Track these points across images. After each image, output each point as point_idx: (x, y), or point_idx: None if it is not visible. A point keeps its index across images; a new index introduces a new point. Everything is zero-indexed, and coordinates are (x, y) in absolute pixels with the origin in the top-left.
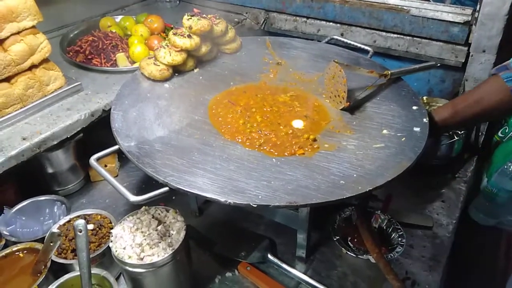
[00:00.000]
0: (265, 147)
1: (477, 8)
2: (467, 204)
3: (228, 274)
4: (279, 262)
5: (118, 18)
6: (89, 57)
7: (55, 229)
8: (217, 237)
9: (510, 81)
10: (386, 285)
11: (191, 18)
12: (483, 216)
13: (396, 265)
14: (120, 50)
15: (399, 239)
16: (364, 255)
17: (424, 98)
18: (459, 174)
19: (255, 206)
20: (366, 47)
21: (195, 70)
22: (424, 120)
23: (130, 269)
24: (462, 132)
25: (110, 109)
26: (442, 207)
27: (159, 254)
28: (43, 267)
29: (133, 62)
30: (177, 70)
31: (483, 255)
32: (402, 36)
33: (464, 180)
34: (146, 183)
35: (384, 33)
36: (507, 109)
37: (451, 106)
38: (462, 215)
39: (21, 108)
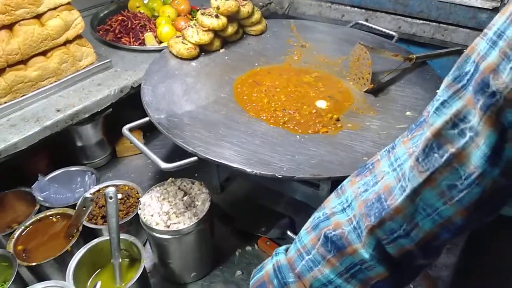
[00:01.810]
0: (289, 125)
1: None
2: None
3: (248, 248)
4: None
5: (146, 0)
6: (119, 36)
7: (88, 194)
8: (238, 213)
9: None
10: None
11: None
12: (507, 207)
13: None
14: (148, 30)
15: None
16: None
17: None
18: None
19: (280, 177)
20: (391, 32)
21: (221, 50)
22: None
23: (157, 235)
24: None
25: (138, 86)
26: None
27: (185, 222)
28: (75, 231)
29: (160, 42)
30: (203, 49)
31: (502, 244)
32: (428, 22)
33: None
34: (169, 159)
35: (409, 19)
36: None
37: None
38: None
39: (55, 81)
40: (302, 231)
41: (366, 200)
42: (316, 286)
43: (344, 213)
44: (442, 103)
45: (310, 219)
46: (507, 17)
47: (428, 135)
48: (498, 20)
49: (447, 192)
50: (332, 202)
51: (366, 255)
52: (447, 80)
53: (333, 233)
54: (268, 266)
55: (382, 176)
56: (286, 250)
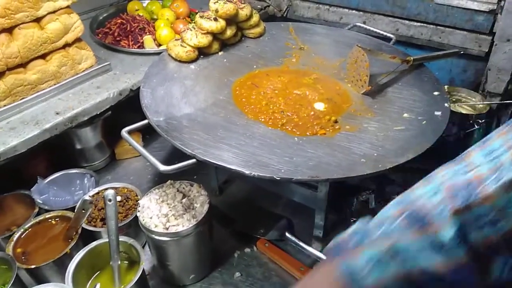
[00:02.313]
0: (287, 127)
1: None
2: None
3: (247, 249)
4: (296, 240)
5: (145, 3)
6: (118, 39)
7: (87, 197)
8: (237, 215)
9: (351, 284)
10: None
11: (217, 2)
12: None
13: None
14: (147, 33)
15: None
16: None
17: (446, 87)
18: None
19: (279, 178)
20: (389, 35)
21: (220, 53)
22: (446, 104)
23: (156, 237)
24: (483, 121)
25: (137, 89)
26: None
27: (184, 224)
28: (75, 233)
29: (159, 45)
30: (202, 52)
31: None
32: (425, 24)
33: None
34: (168, 162)
35: (407, 22)
36: None
37: None
38: None
39: (54, 84)
40: (386, 207)
41: (454, 184)
42: (395, 250)
43: (433, 197)
44: None
45: (396, 199)
46: None
47: None
48: None
49: None
50: (419, 190)
51: (446, 236)
52: None
53: (418, 211)
54: (347, 230)
55: (475, 167)
56: (368, 221)
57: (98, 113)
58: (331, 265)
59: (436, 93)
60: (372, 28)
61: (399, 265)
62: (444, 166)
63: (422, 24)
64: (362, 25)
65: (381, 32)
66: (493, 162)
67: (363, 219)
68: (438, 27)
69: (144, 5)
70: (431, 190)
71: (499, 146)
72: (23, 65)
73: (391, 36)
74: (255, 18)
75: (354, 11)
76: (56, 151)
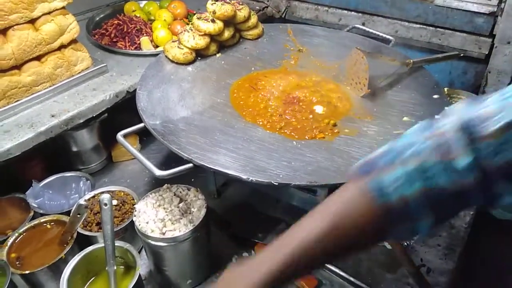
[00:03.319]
0: (285, 130)
1: None
2: None
3: (245, 254)
4: None
5: (142, 3)
6: (114, 40)
7: (82, 201)
8: (235, 219)
9: (380, 197)
10: (401, 271)
11: (215, 3)
12: (500, 210)
13: (412, 253)
14: (144, 34)
15: None
16: None
17: (445, 89)
18: None
19: (277, 184)
20: (388, 36)
21: (218, 55)
22: (446, 108)
23: (153, 242)
24: None
25: (133, 91)
26: None
27: (180, 229)
28: (70, 238)
29: (156, 46)
30: (200, 54)
31: (500, 249)
32: (425, 26)
33: None
34: (166, 164)
35: (406, 23)
36: (376, 238)
37: (292, 246)
38: (480, 208)
39: (50, 86)
40: (411, 132)
41: (468, 116)
42: (423, 168)
43: (450, 127)
44: None
45: (417, 127)
46: None
47: None
48: None
49: None
50: (440, 122)
51: (461, 164)
52: None
53: (440, 138)
54: (378, 150)
55: (488, 105)
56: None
57: (94, 115)
58: (357, 183)
59: (435, 96)
60: (371, 30)
61: (424, 182)
62: (464, 106)
63: (421, 26)
64: (361, 26)
65: (380, 34)
66: (504, 101)
67: (391, 142)
68: (438, 29)
69: (141, 6)
70: (451, 122)
71: (511, 89)
72: (18, 67)
73: (390, 38)
74: (253, 19)
75: (353, 12)
76: (51, 154)
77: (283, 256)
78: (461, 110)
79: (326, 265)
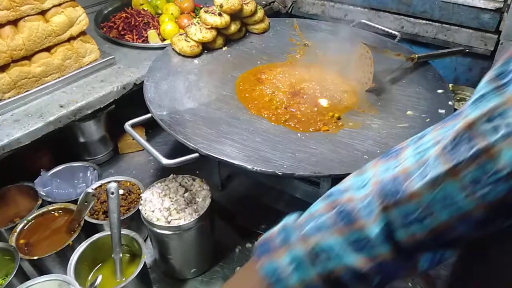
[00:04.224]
0: (290, 123)
1: None
2: None
3: (248, 244)
4: None
5: None
6: (122, 33)
7: (90, 189)
8: (239, 210)
9: (280, 282)
10: None
11: None
12: None
13: None
14: (152, 27)
15: None
16: None
17: (450, 85)
18: None
19: (281, 174)
20: (394, 32)
21: (224, 48)
22: (450, 103)
23: (158, 230)
24: None
25: (140, 83)
26: None
27: (185, 218)
28: (77, 225)
29: (163, 39)
30: (206, 47)
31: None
32: (430, 22)
33: None
34: (171, 156)
35: (412, 19)
36: None
37: None
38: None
39: (59, 77)
40: (316, 201)
41: (383, 180)
42: (319, 250)
43: (360, 190)
44: (482, 96)
45: (326, 192)
46: None
47: (460, 126)
48: None
49: (470, 186)
50: (350, 180)
51: (372, 233)
52: (490, 74)
53: (345, 206)
54: (276, 226)
55: (403, 160)
56: (298, 216)
57: (101, 106)
58: (256, 264)
59: (440, 91)
60: (377, 25)
61: (323, 265)
62: (381, 158)
63: (427, 21)
64: (367, 22)
65: (386, 29)
66: (419, 155)
67: (292, 214)
68: (444, 25)
69: None
70: (363, 181)
71: (428, 141)
72: (28, 57)
73: (396, 33)
74: (260, 13)
75: (359, 8)
76: (59, 144)
77: None
78: (376, 170)
79: None
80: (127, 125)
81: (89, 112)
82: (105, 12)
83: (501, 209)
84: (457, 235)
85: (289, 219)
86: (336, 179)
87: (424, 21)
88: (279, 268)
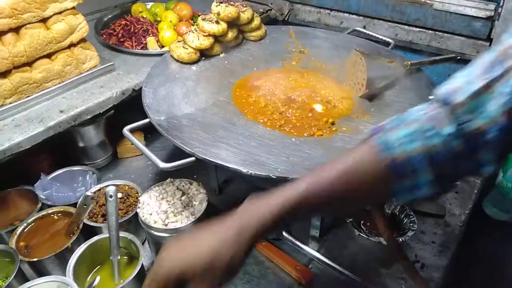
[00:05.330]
0: (285, 128)
1: (501, 3)
2: (481, 198)
3: None
4: (293, 240)
5: (149, 5)
6: (121, 40)
7: (89, 192)
8: None
9: (385, 150)
10: (396, 266)
11: (219, 5)
12: (496, 210)
13: (407, 249)
14: (151, 35)
15: (411, 224)
16: (376, 238)
17: None
18: None
19: (275, 177)
20: (388, 39)
21: (221, 55)
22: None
23: (155, 233)
24: None
25: (139, 89)
26: (456, 198)
27: (182, 221)
28: (76, 228)
29: (162, 46)
30: (204, 54)
31: (494, 248)
32: (424, 30)
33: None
34: (169, 161)
35: (406, 27)
36: (381, 191)
37: (306, 185)
38: (476, 208)
39: (59, 83)
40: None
41: (445, 92)
42: (421, 131)
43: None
44: None
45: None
46: None
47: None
48: None
49: (498, 97)
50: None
51: (446, 132)
52: None
53: (432, 112)
54: (387, 120)
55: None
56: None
57: (101, 112)
58: (371, 138)
59: (431, 97)
60: (371, 33)
61: (423, 141)
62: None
63: (421, 29)
64: (362, 29)
65: (381, 36)
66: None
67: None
68: (437, 32)
69: (148, 7)
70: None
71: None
72: (29, 64)
73: (390, 40)
74: (256, 21)
75: (354, 15)
76: (59, 149)
77: (297, 194)
78: (440, 88)
79: (323, 260)
80: (126, 130)
81: (89, 117)
82: (105, 19)
83: None
84: (489, 137)
85: (397, 115)
86: None
87: (417, 29)
88: (391, 139)
